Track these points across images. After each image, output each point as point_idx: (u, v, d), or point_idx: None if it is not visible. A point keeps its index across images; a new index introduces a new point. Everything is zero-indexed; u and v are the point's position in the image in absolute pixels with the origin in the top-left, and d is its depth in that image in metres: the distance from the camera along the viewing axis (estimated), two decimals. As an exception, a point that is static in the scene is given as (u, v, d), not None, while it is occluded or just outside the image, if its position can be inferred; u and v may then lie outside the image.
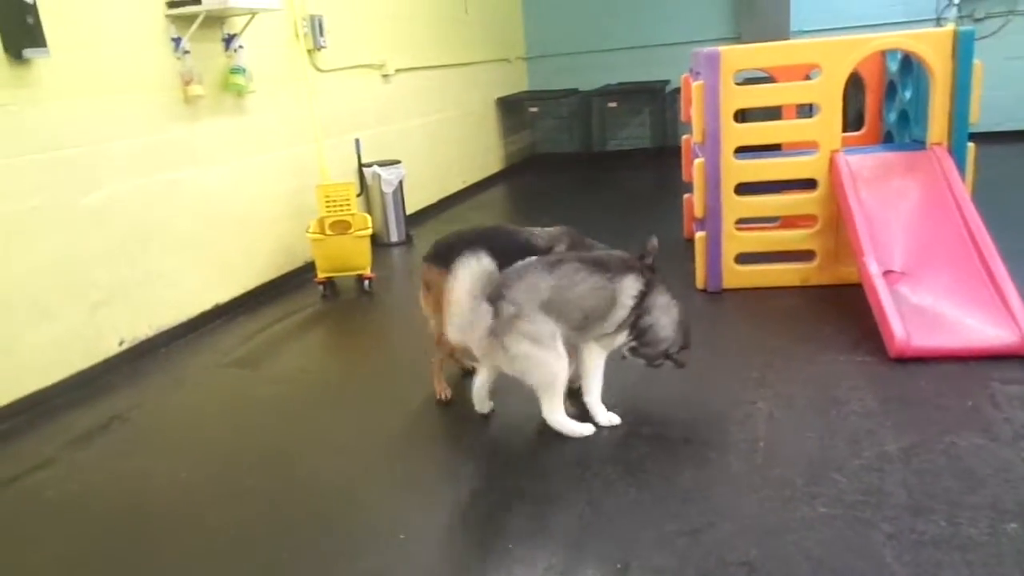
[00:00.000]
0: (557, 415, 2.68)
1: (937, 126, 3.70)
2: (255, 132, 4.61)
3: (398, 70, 6.26)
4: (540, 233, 3.07)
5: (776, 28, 7.60)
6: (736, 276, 4.04)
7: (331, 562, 2.16)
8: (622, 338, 2.73)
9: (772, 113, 4.44)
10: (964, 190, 3.55)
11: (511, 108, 8.46)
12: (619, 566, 2.00)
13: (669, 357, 2.77)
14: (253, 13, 4.33)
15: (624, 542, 2.10)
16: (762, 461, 2.42)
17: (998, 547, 1.93)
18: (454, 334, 2.58)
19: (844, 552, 1.97)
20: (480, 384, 2.85)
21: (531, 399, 2.69)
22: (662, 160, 6.93)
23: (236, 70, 4.29)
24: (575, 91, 8.71)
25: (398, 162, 5.70)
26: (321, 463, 2.73)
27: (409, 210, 5.99)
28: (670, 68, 8.07)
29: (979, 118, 3.69)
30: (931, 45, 3.63)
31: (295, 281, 4.84)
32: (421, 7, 6.74)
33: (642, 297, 2.67)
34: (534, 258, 2.69)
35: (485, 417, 2.91)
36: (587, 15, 8.75)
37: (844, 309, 3.58)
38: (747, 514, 2.17)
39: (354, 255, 4.54)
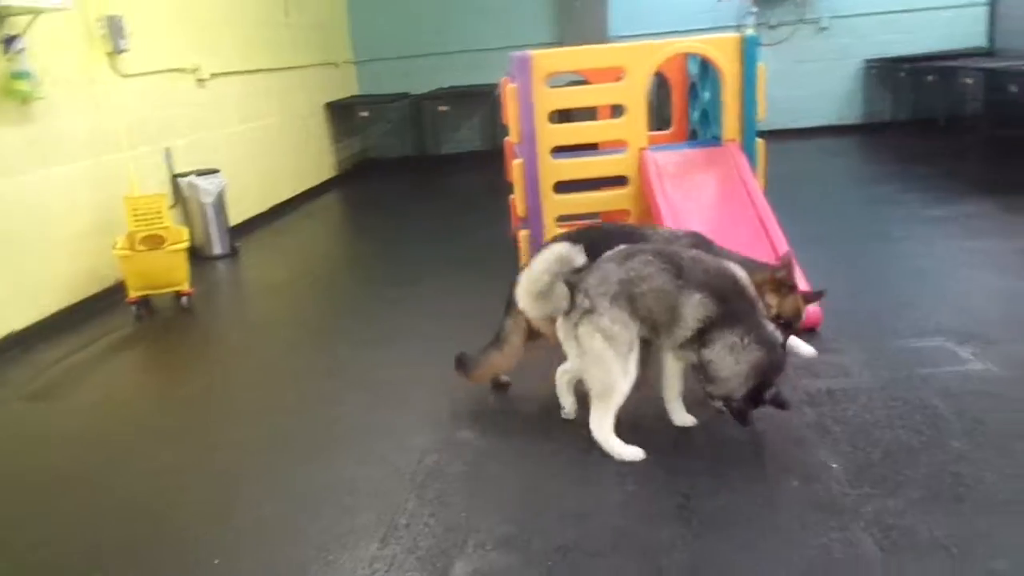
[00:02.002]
0: (604, 431, 2.43)
1: (730, 124, 4.00)
2: (49, 141, 4.23)
3: (215, 74, 5.97)
4: (662, 231, 2.84)
5: (594, 33, 7.93)
6: (560, 272, 4.17)
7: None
8: (694, 358, 2.37)
9: (595, 114, 4.64)
10: (755, 182, 3.86)
11: (341, 113, 8.30)
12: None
13: (729, 406, 2.36)
14: (36, 12, 3.98)
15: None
16: (586, 444, 2.51)
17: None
18: (521, 298, 2.47)
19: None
20: (562, 372, 2.66)
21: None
22: (494, 162, 7.03)
23: (19, 75, 3.92)
24: (406, 95, 8.68)
25: (217, 171, 5.43)
26: (127, 490, 2.55)
27: (234, 220, 5.73)
28: (499, 72, 8.21)
29: (766, 116, 4.03)
30: (721, 49, 3.93)
31: (105, 303, 4.49)
32: (236, 11, 6.47)
33: (709, 325, 2.28)
34: (617, 248, 2.45)
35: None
36: (415, 19, 8.76)
37: (658, 298, 3.79)
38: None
39: (169, 271, 4.28)
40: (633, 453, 2.41)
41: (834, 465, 2.27)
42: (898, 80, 7.86)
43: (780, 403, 2.28)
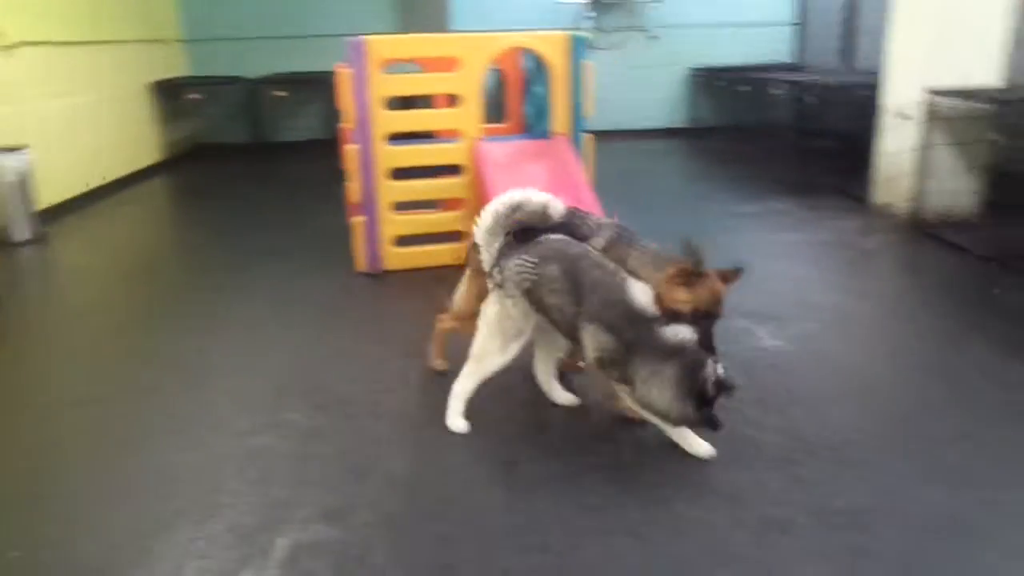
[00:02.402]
0: (457, 392, 2.52)
1: (559, 118, 4.19)
2: None
3: (24, 42, 5.47)
4: (590, 220, 2.68)
5: (436, 25, 7.98)
6: (395, 258, 4.19)
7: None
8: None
9: (433, 104, 4.69)
10: (582, 173, 4.07)
11: (169, 93, 7.83)
12: (258, 542, 1.98)
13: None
14: None
15: (266, 519, 2.09)
16: (407, 418, 2.56)
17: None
18: (477, 233, 2.47)
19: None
20: (536, 364, 2.66)
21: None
22: (333, 150, 6.89)
23: None
24: (240, 79, 8.32)
25: (24, 148, 4.98)
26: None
27: (44, 203, 5.28)
28: (339, 59, 8.07)
29: (603, 116, 4.25)
30: (551, 46, 4.10)
31: None
32: (47, -26, 5.95)
33: (608, 359, 2.24)
34: (545, 238, 2.41)
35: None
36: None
37: (491, 283, 3.91)
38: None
39: (-38, 253, 3.89)
40: (458, 425, 2.50)
41: (642, 432, 2.45)
42: (717, 89, 8.49)
43: (727, 388, 2.18)
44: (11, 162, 4.86)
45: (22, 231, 4.98)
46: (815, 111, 7.09)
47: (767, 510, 2.08)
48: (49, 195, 5.47)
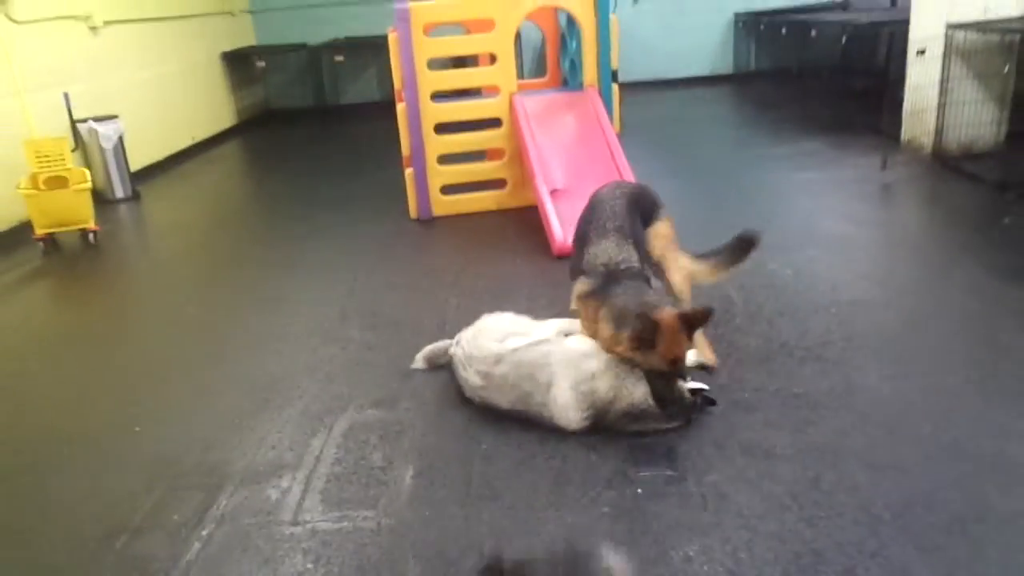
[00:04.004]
0: None
1: (588, 70, 4.55)
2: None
3: (107, 22, 6.10)
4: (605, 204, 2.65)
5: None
6: (443, 205, 4.66)
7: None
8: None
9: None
10: (609, 123, 4.43)
11: (238, 62, 8.44)
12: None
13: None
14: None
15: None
16: (444, 333, 3.04)
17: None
18: None
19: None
20: None
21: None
22: (390, 111, 7.44)
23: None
24: (303, 45, 8.86)
25: (116, 117, 5.63)
26: (54, 388, 2.95)
27: (135, 166, 5.94)
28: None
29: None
30: (579, 3, 4.44)
31: (11, 240, 4.72)
32: (127, -43, 6.55)
33: None
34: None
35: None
36: (311, -32, 8.88)
37: (528, 224, 4.33)
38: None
39: (74, 209, 4.54)
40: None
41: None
42: (759, 33, 8.57)
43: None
44: (107, 130, 5.51)
45: (119, 190, 5.66)
46: (855, 51, 7.17)
47: (738, 395, 2.49)
48: (139, 158, 6.14)
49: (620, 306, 2.35)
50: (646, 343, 2.24)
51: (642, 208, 2.70)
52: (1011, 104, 4.84)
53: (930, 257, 3.65)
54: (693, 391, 2.34)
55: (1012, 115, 4.85)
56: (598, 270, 2.49)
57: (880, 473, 2.07)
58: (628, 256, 2.51)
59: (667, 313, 2.26)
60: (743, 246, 2.72)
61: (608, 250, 2.51)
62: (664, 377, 2.30)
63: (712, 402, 2.40)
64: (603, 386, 2.33)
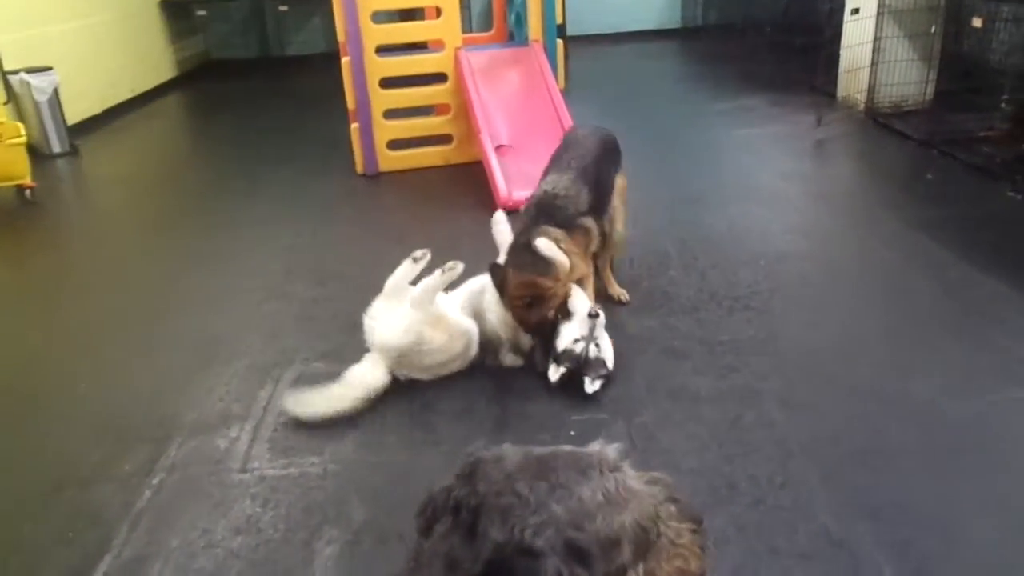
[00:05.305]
0: None
1: (533, 25, 4.57)
2: None
3: (39, -31, 5.87)
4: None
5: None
6: (389, 160, 4.68)
7: None
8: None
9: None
10: (553, 79, 4.48)
11: (177, 11, 8.17)
12: (272, 374, 2.58)
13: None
14: None
15: (277, 359, 2.69)
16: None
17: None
18: None
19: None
20: None
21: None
22: (336, 63, 7.36)
23: None
24: (245, -7, 8.62)
25: (50, 69, 5.46)
26: (-3, 349, 2.95)
27: (72, 120, 5.78)
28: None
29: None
30: (524, -44, 4.44)
31: (-58, 198, 4.60)
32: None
33: None
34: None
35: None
36: (250, -87, 8.60)
37: (473, 180, 4.39)
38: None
39: (9, 165, 4.43)
40: None
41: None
42: (709, -11, 8.64)
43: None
44: (41, 82, 5.35)
45: (55, 144, 5.51)
46: (797, 7, 7.30)
47: (670, 343, 2.63)
48: (76, 112, 5.97)
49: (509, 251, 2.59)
50: (500, 291, 2.52)
51: (611, 158, 2.87)
52: (939, 64, 5.03)
53: (856, 211, 3.84)
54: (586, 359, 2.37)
55: (940, 75, 5.04)
56: (531, 203, 2.64)
57: (794, 412, 2.24)
58: (576, 194, 2.61)
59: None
60: None
61: (556, 182, 2.64)
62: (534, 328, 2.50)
63: (607, 378, 2.39)
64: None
